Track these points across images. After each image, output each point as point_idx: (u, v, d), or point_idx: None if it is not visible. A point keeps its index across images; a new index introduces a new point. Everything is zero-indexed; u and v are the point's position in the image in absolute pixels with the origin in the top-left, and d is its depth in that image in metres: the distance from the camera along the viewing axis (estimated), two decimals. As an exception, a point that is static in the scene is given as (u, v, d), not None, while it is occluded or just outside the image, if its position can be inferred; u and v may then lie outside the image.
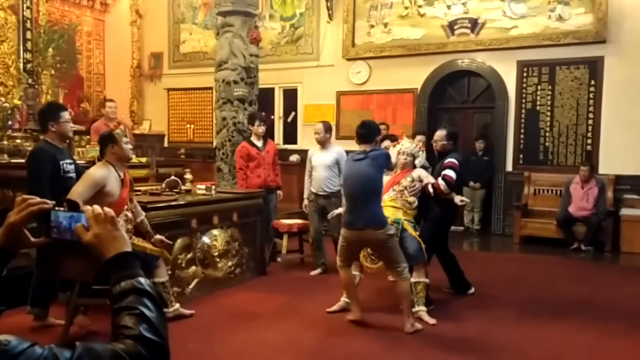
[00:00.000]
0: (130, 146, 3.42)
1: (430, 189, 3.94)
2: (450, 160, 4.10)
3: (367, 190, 3.46)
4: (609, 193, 6.65)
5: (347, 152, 4.70)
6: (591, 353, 3.31)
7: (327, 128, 5.14)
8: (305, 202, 5.27)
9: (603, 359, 3.25)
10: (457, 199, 4.01)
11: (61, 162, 3.48)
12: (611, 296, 4.51)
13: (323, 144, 5.11)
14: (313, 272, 5.02)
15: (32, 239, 1.09)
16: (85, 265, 1.12)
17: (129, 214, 3.39)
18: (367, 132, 3.62)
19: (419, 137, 4.88)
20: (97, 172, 3.23)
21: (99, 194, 3.13)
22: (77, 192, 3.08)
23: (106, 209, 1.04)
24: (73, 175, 3.53)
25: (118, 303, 0.95)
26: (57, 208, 1.05)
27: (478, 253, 6.60)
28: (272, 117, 8.80)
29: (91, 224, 1.02)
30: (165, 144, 9.77)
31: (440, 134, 4.36)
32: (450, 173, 4.02)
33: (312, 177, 5.13)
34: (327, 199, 5.02)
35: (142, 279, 0.98)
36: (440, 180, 3.97)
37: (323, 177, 5.02)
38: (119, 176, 3.30)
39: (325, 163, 5.03)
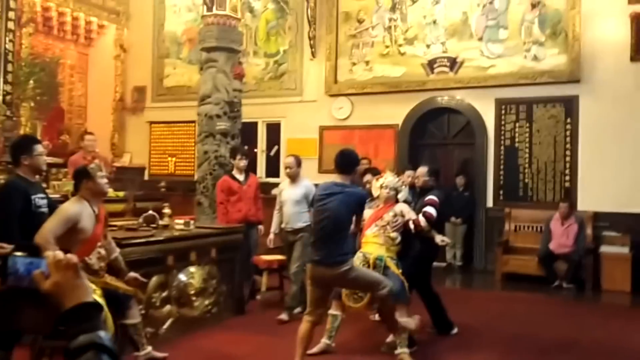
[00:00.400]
0: (105, 181, 3.34)
1: (412, 225, 3.91)
2: (430, 197, 4.10)
3: (333, 229, 3.37)
4: (588, 230, 6.70)
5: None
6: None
7: (299, 162, 5.06)
8: (271, 236, 5.15)
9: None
10: (438, 238, 3.99)
11: (33, 197, 3.37)
12: (595, 336, 4.47)
13: (293, 178, 5.05)
14: (281, 316, 4.69)
15: None
16: (42, 316, 1.04)
17: (102, 251, 3.28)
18: (346, 162, 3.53)
19: (408, 173, 4.85)
20: (71, 207, 3.14)
21: (71, 231, 3.03)
22: (49, 228, 2.98)
23: (69, 255, 0.98)
24: (45, 210, 3.42)
25: (75, 359, 0.88)
26: (15, 253, 0.99)
27: (460, 291, 6.54)
28: (255, 150, 8.79)
29: (51, 270, 0.96)
30: (146, 177, 9.64)
31: (421, 170, 4.38)
32: (430, 210, 4.01)
33: (282, 212, 5.05)
34: (295, 234, 4.92)
35: (102, 334, 0.92)
36: (420, 217, 3.96)
37: (291, 213, 4.93)
38: (94, 212, 3.21)
39: (294, 198, 4.94)
